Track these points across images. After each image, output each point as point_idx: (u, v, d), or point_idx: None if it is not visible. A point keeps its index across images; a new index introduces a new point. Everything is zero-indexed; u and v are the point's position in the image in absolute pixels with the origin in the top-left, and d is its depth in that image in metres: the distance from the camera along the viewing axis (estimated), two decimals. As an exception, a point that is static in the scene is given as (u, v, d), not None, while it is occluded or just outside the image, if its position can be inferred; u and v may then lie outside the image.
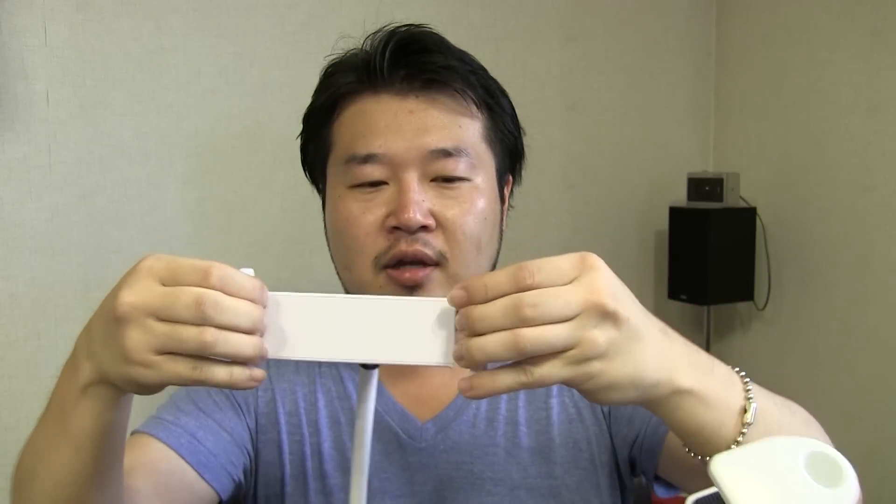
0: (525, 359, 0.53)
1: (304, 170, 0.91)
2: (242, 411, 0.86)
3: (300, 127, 0.89)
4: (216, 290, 0.51)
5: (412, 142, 0.79)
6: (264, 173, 2.04)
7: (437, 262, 0.79)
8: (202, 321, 0.51)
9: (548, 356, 0.52)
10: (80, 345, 0.58)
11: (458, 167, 0.80)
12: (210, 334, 0.51)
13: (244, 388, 0.54)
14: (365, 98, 0.82)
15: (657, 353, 0.57)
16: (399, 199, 0.78)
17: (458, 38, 0.86)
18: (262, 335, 0.54)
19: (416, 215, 0.77)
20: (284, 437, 0.86)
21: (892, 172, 2.15)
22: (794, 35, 2.42)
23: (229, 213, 2.03)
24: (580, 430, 0.86)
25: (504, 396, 0.85)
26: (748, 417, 0.60)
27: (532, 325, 0.51)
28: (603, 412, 0.87)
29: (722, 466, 0.50)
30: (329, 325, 0.56)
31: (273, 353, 0.55)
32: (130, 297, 0.52)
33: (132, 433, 0.80)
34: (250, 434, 0.86)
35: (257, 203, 2.04)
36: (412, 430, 0.85)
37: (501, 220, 0.87)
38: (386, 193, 0.79)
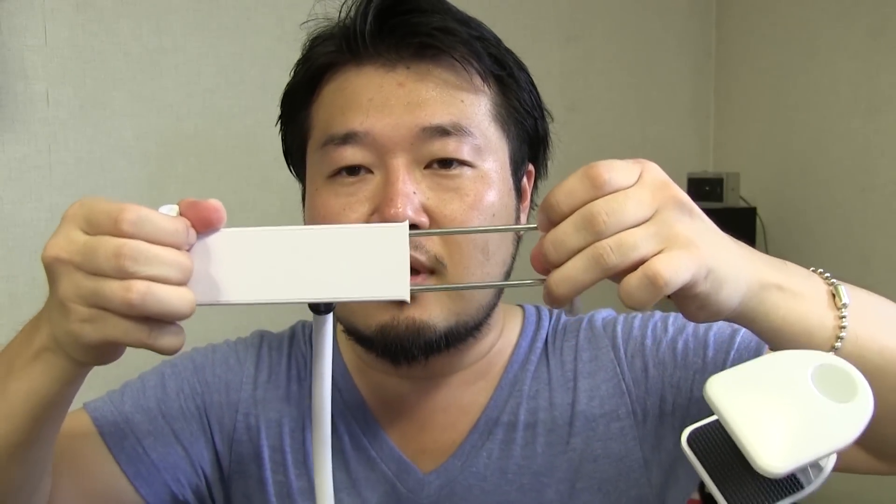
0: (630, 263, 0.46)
1: (287, 162, 0.79)
2: (212, 431, 0.75)
3: None
4: (132, 237, 0.47)
5: (401, 118, 0.65)
6: (264, 173, 2.03)
7: (432, 270, 0.64)
8: (125, 275, 0.46)
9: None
10: (45, 307, 0.53)
11: (460, 149, 0.65)
12: (135, 292, 0.46)
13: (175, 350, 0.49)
14: (346, 71, 0.69)
15: (733, 247, 0.52)
16: (384, 192, 0.64)
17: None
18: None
19: (406, 211, 0.62)
20: (268, 474, 0.74)
21: (892, 172, 2.15)
22: (794, 35, 2.42)
23: (229, 213, 2.01)
24: (611, 470, 0.72)
25: (519, 440, 0.72)
26: (842, 299, 0.54)
27: (609, 236, 0.46)
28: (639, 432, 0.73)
29: (719, 388, 0.44)
30: (271, 263, 0.50)
31: (203, 298, 0.49)
32: (53, 250, 0.49)
33: (83, 405, 0.74)
34: (216, 459, 0.75)
35: (257, 203, 2.03)
36: (412, 483, 0.72)
37: (517, 218, 0.73)
38: (371, 185, 0.66)
